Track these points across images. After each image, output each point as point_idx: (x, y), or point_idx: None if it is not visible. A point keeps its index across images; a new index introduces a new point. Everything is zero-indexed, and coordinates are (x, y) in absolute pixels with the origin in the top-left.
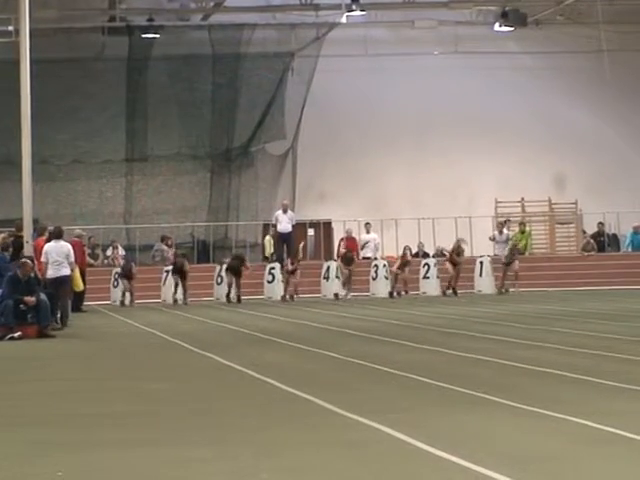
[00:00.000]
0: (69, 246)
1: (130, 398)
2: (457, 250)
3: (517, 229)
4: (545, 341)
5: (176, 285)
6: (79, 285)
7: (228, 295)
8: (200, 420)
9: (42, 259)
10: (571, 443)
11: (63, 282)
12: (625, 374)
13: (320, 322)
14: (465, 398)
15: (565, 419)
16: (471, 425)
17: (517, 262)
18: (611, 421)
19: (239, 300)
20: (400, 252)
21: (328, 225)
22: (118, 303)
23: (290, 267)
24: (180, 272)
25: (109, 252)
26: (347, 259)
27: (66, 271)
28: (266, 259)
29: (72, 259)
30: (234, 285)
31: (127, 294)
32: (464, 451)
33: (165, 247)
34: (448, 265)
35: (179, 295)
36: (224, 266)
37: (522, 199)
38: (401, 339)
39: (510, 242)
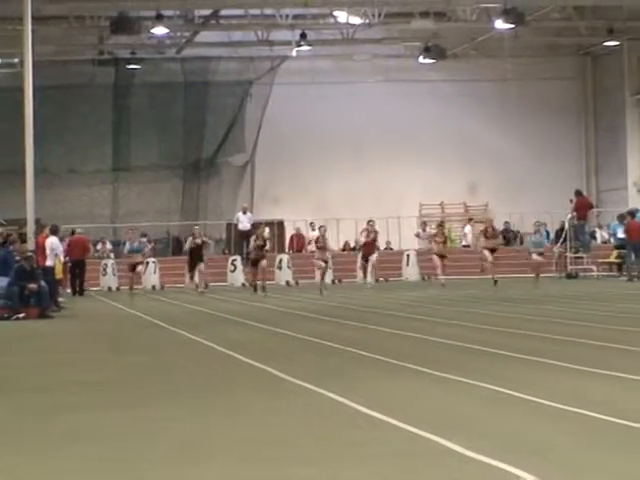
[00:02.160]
0: (52, 240)
1: (114, 368)
2: (487, 232)
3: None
4: (464, 320)
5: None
6: (58, 274)
7: (254, 286)
8: (173, 386)
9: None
10: (479, 404)
11: (45, 271)
12: (526, 348)
13: (277, 305)
14: (396, 368)
15: (476, 384)
16: (401, 390)
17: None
18: (510, 385)
19: (264, 289)
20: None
21: (281, 224)
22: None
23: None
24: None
25: (99, 247)
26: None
27: (48, 262)
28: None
29: (57, 252)
30: (259, 273)
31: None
32: (396, 412)
33: (145, 241)
34: (486, 253)
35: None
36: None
37: (442, 202)
38: (345, 319)
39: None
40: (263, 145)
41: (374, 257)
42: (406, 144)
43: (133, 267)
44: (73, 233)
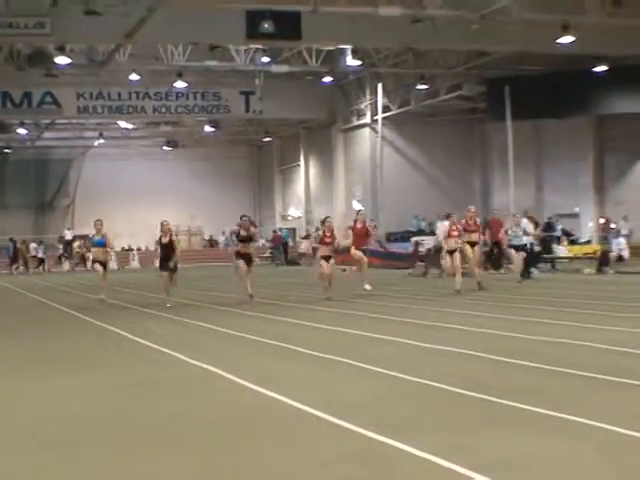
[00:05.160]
0: None
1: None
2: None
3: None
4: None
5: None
6: None
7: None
8: (25, 327)
9: None
10: (204, 336)
11: None
12: (260, 309)
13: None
14: (198, 327)
15: (205, 325)
16: (164, 329)
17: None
18: (222, 325)
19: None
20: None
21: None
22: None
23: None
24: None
25: None
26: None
27: None
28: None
29: None
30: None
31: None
32: (155, 340)
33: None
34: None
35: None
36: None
37: (177, 224)
38: (139, 289)
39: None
40: (80, 192)
41: (362, 256)
42: (158, 194)
43: (101, 264)
44: None
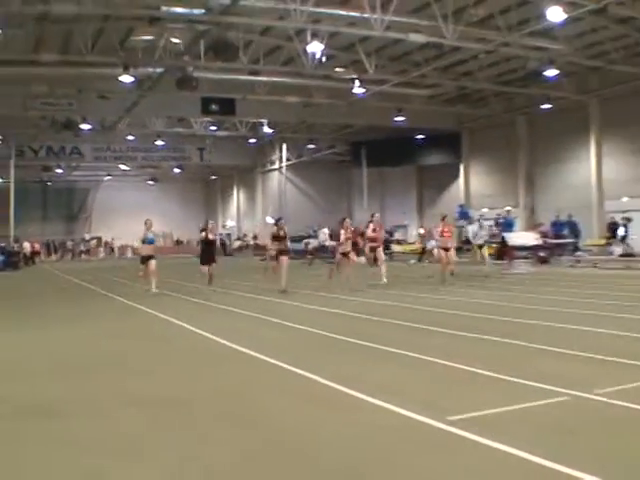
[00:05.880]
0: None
1: (35, 290)
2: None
3: None
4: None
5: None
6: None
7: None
8: (59, 297)
9: None
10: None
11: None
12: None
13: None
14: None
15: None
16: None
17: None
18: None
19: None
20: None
21: (100, 238)
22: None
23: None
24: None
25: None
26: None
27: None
28: None
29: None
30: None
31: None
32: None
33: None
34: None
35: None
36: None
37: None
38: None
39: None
40: (95, 210)
41: (380, 254)
42: (145, 211)
43: (145, 260)
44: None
